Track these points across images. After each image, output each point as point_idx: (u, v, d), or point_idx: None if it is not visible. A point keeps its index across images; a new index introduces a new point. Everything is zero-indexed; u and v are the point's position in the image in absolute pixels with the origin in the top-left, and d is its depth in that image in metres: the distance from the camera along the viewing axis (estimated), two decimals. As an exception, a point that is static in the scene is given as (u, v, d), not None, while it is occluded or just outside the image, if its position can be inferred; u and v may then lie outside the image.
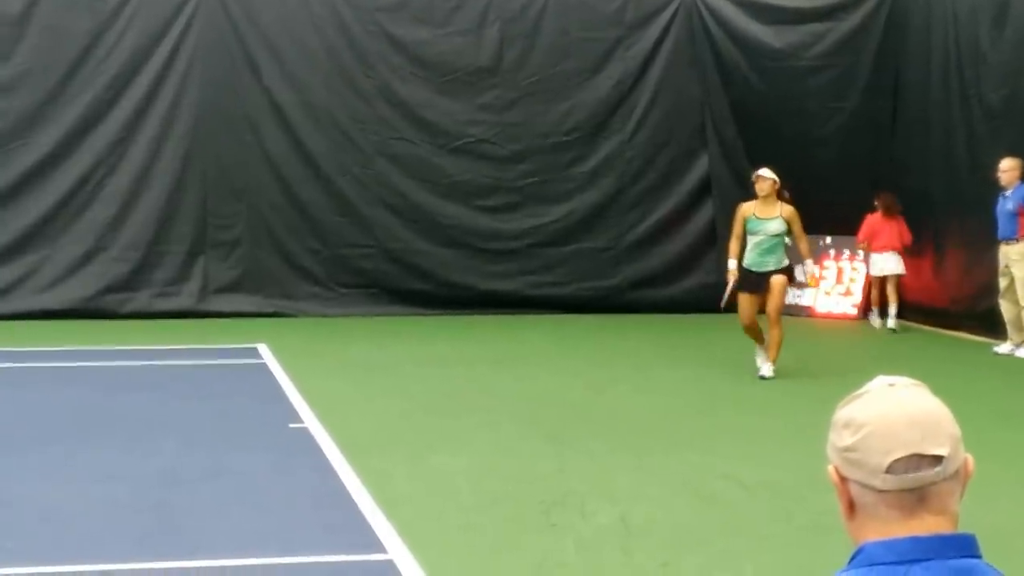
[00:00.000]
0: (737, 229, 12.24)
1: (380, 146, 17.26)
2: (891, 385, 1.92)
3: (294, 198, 17.14)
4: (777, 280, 12.05)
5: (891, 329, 16.12)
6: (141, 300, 16.73)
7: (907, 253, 16.34)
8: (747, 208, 12.26)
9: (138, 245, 16.80)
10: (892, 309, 16.23)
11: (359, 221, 17.24)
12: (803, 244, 12.29)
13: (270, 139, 17.05)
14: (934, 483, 1.86)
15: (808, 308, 17.47)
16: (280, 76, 17.03)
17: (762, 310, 12.18)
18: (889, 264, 16.30)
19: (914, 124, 16.44)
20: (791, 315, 17.33)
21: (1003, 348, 14.04)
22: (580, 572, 6.57)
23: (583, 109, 17.64)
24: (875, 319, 16.54)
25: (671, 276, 17.78)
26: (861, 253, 17.03)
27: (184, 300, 16.80)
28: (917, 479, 1.85)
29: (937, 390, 1.96)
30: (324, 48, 17.14)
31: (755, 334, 12.32)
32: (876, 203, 16.30)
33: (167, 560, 6.72)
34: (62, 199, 16.68)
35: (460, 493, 8.11)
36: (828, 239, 17.47)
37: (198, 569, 6.60)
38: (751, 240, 12.13)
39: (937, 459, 1.85)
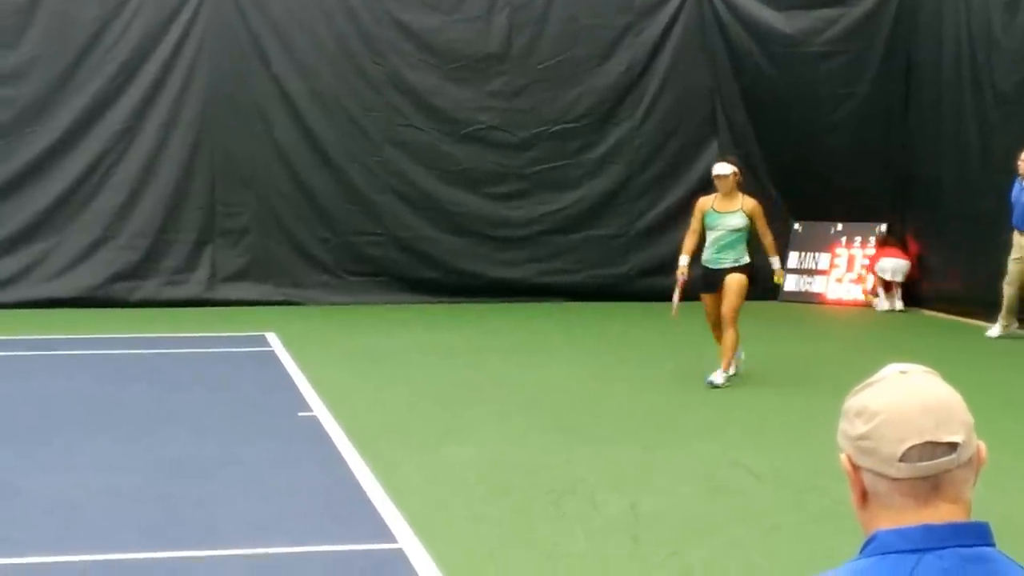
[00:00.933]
0: (694, 224, 11.45)
1: (389, 133, 17.21)
2: (903, 372, 1.90)
3: (302, 186, 17.11)
4: (733, 279, 11.19)
5: (890, 310, 16.16)
6: (149, 288, 16.72)
7: (915, 236, 16.37)
8: (705, 201, 11.48)
9: (146, 233, 16.78)
10: (891, 291, 16.34)
11: (368, 209, 17.20)
12: (768, 240, 11.51)
13: (278, 127, 17.01)
14: (948, 471, 1.84)
15: (819, 295, 17.41)
16: (288, 63, 16.99)
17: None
18: (895, 269, 16.44)
19: (926, 110, 16.36)
20: (803, 302, 17.32)
21: (993, 331, 14.13)
22: (590, 561, 6.54)
23: (592, 96, 17.57)
24: (881, 302, 16.51)
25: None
26: (873, 239, 16.98)
27: (192, 288, 16.79)
28: (931, 467, 1.83)
29: (947, 377, 1.94)
30: (332, 35, 17.09)
31: (718, 338, 11.61)
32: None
33: (175, 550, 6.70)
34: (70, 187, 16.67)
35: (469, 482, 8.08)
36: (839, 226, 17.40)
37: (206, 559, 6.59)
38: (709, 235, 11.37)
39: (951, 446, 1.84)
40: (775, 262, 11.63)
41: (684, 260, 11.53)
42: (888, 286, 16.53)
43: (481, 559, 6.61)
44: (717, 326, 11.45)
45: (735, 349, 11.32)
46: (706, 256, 11.39)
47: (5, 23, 16.45)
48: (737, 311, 11.19)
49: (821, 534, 6.94)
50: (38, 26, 16.51)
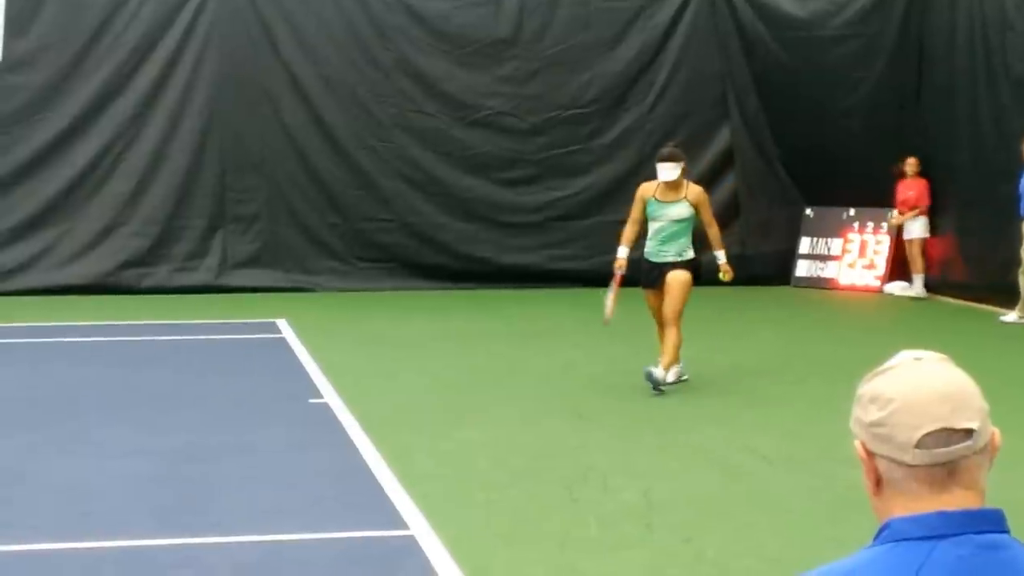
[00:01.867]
0: (635, 213, 10.56)
1: (399, 119, 17.18)
2: (917, 359, 1.90)
3: (313, 172, 17.09)
4: (675, 277, 10.28)
5: (911, 297, 16.05)
6: (160, 275, 16.73)
7: (929, 221, 16.26)
8: (647, 188, 10.55)
9: (157, 220, 16.79)
10: (912, 278, 16.19)
11: (378, 195, 17.18)
12: (713, 231, 10.60)
13: (288, 113, 16.99)
14: (964, 457, 1.83)
15: (831, 280, 17.36)
16: (298, 49, 16.96)
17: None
18: (913, 228, 16.25)
19: (939, 94, 16.26)
20: (815, 287, 17.27)
21: (1009, 317, 14.09)
22: (603, 548, 6.52)
23: (603, 81, 17.51)
24: (894, 286, 16.44)
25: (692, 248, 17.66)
26: (885, 225, 16.90)
27: (203, 275, 16.79)
28: (947, 453, 1.82)
29: (960, 362, 1.92)
30: (342, 20, 17.05)
31: (668, 332, 10.57)
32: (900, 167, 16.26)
33: (187, 536, 6.70)
34: (81, 174, 16.68)
35: (481, 469, 8.06)
36: (851, 211, 17.34)
37: (218, 545, 6.58)
38: (651, 226, 10.45)
39: (967, 433, 1.83)
40: (720, 256, 10.66)
41: (622, 252, 10.60)
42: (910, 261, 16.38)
43: (493, 545, 6.59)
44: (661, 323, 10.54)
45: (677, 352, 10.40)
46: (648, 248, 10.48)
47: (15, 10, 16.44)
48: (680, 312, 10.30)
49: (835, 520, 6.91)
50: (48, 13, 16.51)
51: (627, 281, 10.69)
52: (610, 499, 7.34)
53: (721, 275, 10.68)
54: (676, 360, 10.41)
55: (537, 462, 8.19)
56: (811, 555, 6.22)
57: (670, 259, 10.36)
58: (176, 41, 16.76)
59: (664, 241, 10.41)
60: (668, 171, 10.33)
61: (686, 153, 17.53)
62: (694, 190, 10.50)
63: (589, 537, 6.67)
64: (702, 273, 10.62)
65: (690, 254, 10.40)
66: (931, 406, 1.82)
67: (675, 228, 10.38)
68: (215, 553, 6.48)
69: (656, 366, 10.26)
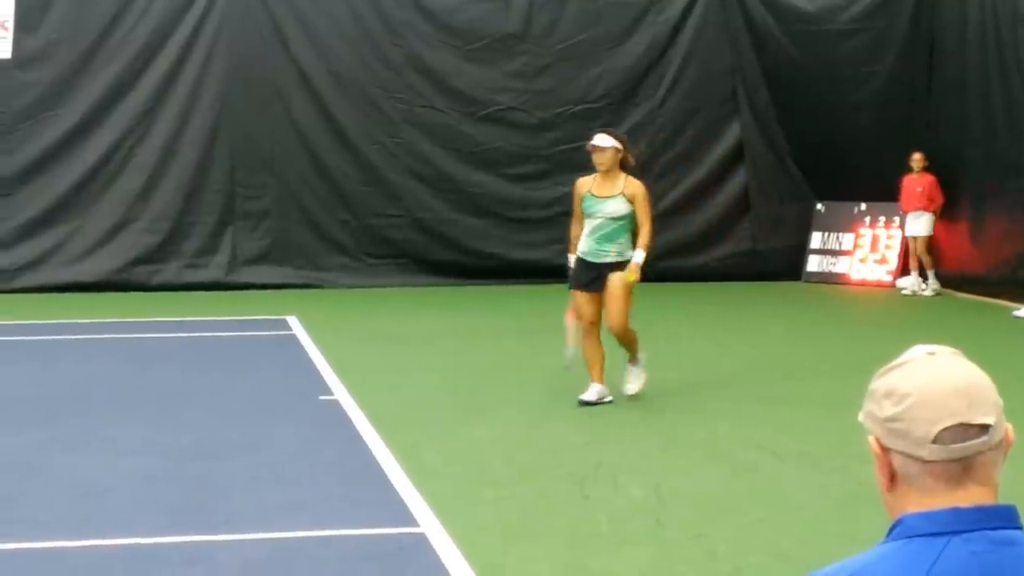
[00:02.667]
0: (576, 210, 9.74)
1: (408, 115, 17.17)
2: (931, 354, 1.88)
3: (322, 168, 17.09)
4: (615, 282, 9.46)
5: (915, 293, 15.99)
6: (170, 272, 16.74)
7: (942, 217, 16.17)
8: (583, 183, 9.71)
9: (167, 216, 16.80)
10: (916, 274, 16.13)
11: (388, 191, 17.18)
12: (644, 230, 9.55)
13: (298, 109, 16.99)
14: (980, 453, 1.82)
15: (843, 276, 17.31)
16: (308, 45, 16.96)
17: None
18: (915, 225, 16.18)
19: (950, 88, 16.21)
20: (827, 282, 17.20)
21: (1022, 312, 14.06)
22: (613, 544, 6.50)
23: (613, 76, 17.49)
24: (906, 281, 16.38)
25: (703, 244, 17.66)
26: (897, 219, 16.84)
27: (213, 272, 16.80)
28: (964, 449, 1.81)
29: (973, 358, 1.91)
30: (352, 16, 17.05)
31: (591, 345, 9.65)
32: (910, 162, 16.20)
33: (197, 534, 6.69)
34: (91, 170, 16.70)
35: (492, 466, 8.04)
36: (863, 205, 17.30)
37: (228, 542, 6.57)
38: (588, 224, 9.59)
39: (984, 428, 1.82)
40: (637, 254, 9.55)
41: (573, 261, 9.73)
42: (917, 260, 16.31)
43: (503, 542, 6.57)
44: (590, 332, 9.63)
45: (637, 343, 9.77)
46: (584, 247, 9.61)
47: (26, 7, 16.46)
48: (626, 321, 9.53)
49: (846, 516, 6.88)
50: (58, 10, 16.53)
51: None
52: (620, 495, 7.32)
53: (627, 274, 9.53)
54: (636, 358, 9.83)
55: (547, 458, 8.17)
56: (822, 551, 6.19)
57: (611, 260, 9.54)
58: (185, 37, 16.78)
59: (602, 240, 9.55)
60: (600, 137, 9.55)
61: (697, 147, 17.77)
62: (632, 184, 9.56)
63: (599, 533, 6.66)
64: (647, 273, 9.86)
65: (630, 253, 9.58)
66: (948, 401, 1.81)
67: (612, 226, 9.53)
68: (225, 550, 6.47)
69: (628, 382, 9.70)
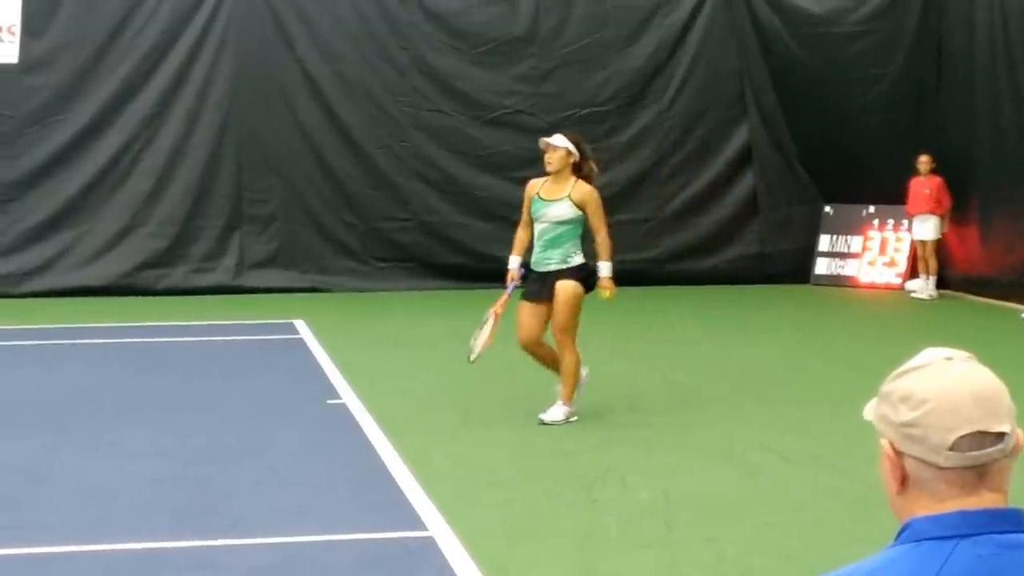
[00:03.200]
0: (524, 214, 9.26)
1: (415, 118, 17.16)
2: (948, 358, 1.88)
3: (329, 172, 17.09)
4: (562, 289, 8.92)
5: (921, 298, 15.92)
6: (177, 276, 16.75)
7: (951, 219, 16.11)
8: (533, 186, 9.23)
9: (174, 220, 16.81)
10: (927, 278, 16.06)
11: (395, 194, 17.17)
12: (600, 237, 9.07)
13: (304, 112, 16.99)
14: (995, 460, 1.83)
15: (851, 278, 17.27)
16: (314, 48, 16.96)
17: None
18: (923, 228, 16.13)
19: (959, 90, 16.16)
20: (835, 285, 17.16)
21: None
22: (622, 548, 6.47)
23: (620, 78, 17.47)
24: (915, 284, 16.32)
25: (712, 247, 17.63)
26: (906, 222, 16.79)
27: (220, 276, 16.80)
28: (981, 456, 1.81)
29: (982, 361, 1.91)
30: (358, 19, 17.05)
31: (539, 356, 9.21)
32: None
33: (204, 538, 6.68)
34: (98, 175, 16.72)
35: (500, 469, 8.02)
36: (871, 208, 17.26)
37: (235, 547, 6.56)
38: (536, 229, 9.11)
39: (1000, 436, 1.82)
40: (603, 268, 9.10)
41: (514, 262, 9.29)
42: (924, 263, 16.25)
43: (512, 545, 6.55)
44: (533, 345, 9.14)
45: (577, 376, 9.12)
46: (532, 256, 9.16)
47: (32, 11, 16.47)
48: (570, 331, 8.98)
49: (856, 519, 6.85)
50: (64, 13, 16.54)
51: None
52: (629, 498, 7.30)
53: (601, 291, 9.12)
54: (572, 392, 9.10)
55: (555, 461, 8.15)
56: (832, 554, 6.17)
57: (553, 267, 8.98)
58: (192, 41, 16.78)
59: (546, 246, 9.03)
60: (556, 137, 9.10)
61: (705, 150, 17.74)
62: (581, 188, 8.99)
63: (608, 536, 6.63)
64: (594, 283, 9.16)
65: (577, 260, 9.02)
66: (966, 408, 1.81)
67: (557, 232, 9.00)
68: (232, 555, 6.45)
69: (551, 408, 9.14)
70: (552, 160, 9.02)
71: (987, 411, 1.81)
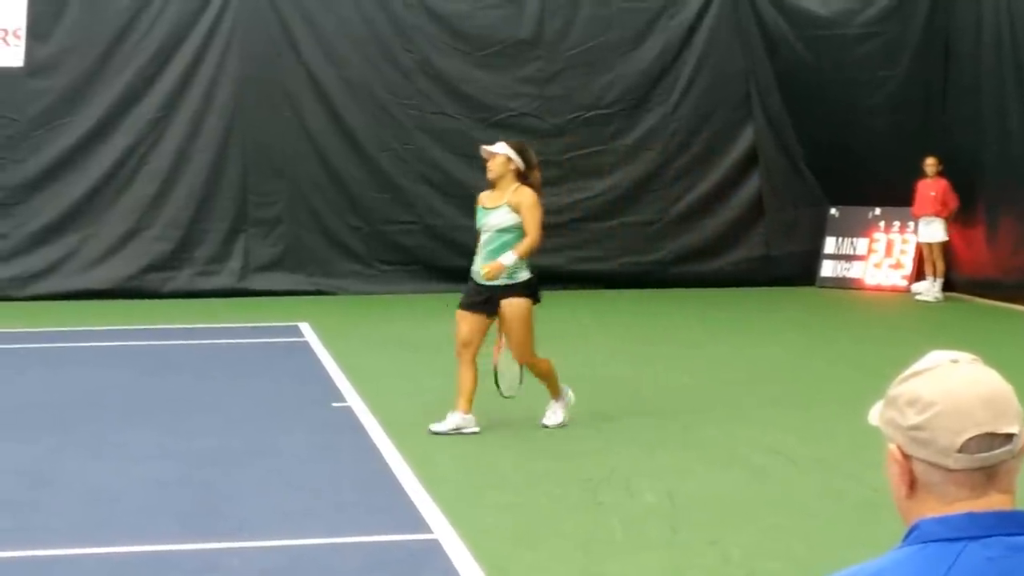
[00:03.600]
0: (478, 226, 9.05)
1: (420, 121, 17.16)
2: (954, 361, 1.88)
3: (334, 175, 17.09)
4: (510, 310, 8.67)
5: (927, 300, 15.87)
6: (182, 279, 16.76)
7: (956, 221, 16.07)
8: (481, 196, 9.06)
9: (179, 223, 16.81)
10: (933, 280, 16.02)
11: (400, 197, 17.16)
12: (525, 241, 8.68)
13: (309, 115, 17.00)
14: (1004, 462, 1.83)
15: (857, 281, 17.25)
16: (319, 51, 16.96)
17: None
18: (928, 231, 16.08)
19: (966, 92, 16.13)
20: (841, 288, 17.13)
21: None
22: (627, 550, 6.46)
23: (625, 81, 17.46)
24: (922, 286, 16.28)
25: (717, 249, 17.61)
26: (912, 224, 16.76)
27: (225, 279, 16.81)
28: (990, 458, 1.81)
29: (989, 363, 1.90)
30: (363, 22, 17.05)
31: (464, 371, 8.82)
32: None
33: (210, 541, 6.68)
34: (103, 178, 16.73)
35: (504, 472, 8.02)
36: (877, 210, 17.22)
37: (241, 550, 6.55)
38: (481, 239, 8.90)
39: (1008, 437, 1.82)
40: (506, 258, 8.67)
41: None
42: (931, 265, 16.21)
43: (516, 548, 6.54)
44: (463, 356, 8.82)
45: (554, 374, 8.96)
46: (474, 266, 8.95)
47: (37, 14, 16.49)
48: (529, 349, 8.76)
49: (862, 522, 6.84)
50: (70, 17, 16.55)
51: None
52: (634, 501, 7.28)
53: (483, 270, 8.79)
54: (557, 387, 8.97)
55: (559, 464, 8.14)
56: (838, 557, 6.15)
57: (500, 282, 8.69)
58: (197, 44, 16.80)
59: (490, 256, 8.74)
60: (498, 145, 8.87)
61: (711, 152, 17.70)
62: (519, 193, 8.70)
63: (613, 539, 6.62)
64: (539, 295, 8.90)
65: (523, 275, 8.73)
66: (974, 410, 1.81)
67: (499, 241, 8.72)
68: (238, 558, 6.45)
69: (548, 412, 8.98)
70: (492, 167, 8.81)
71: (995, 413, 1.81)
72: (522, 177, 8.79)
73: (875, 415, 1.93)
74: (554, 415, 9.10)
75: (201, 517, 7.09)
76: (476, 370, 8.87)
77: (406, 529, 6.83)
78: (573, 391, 9.25)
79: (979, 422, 1.80)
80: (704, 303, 16.09)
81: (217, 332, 13.86)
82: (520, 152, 8.82)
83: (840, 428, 9.04)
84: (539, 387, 10.56)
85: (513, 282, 8.71)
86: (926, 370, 1.87)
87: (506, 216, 8.72)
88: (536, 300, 8.85)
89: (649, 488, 7.51)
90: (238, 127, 16.92)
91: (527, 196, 8.71)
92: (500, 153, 8.80)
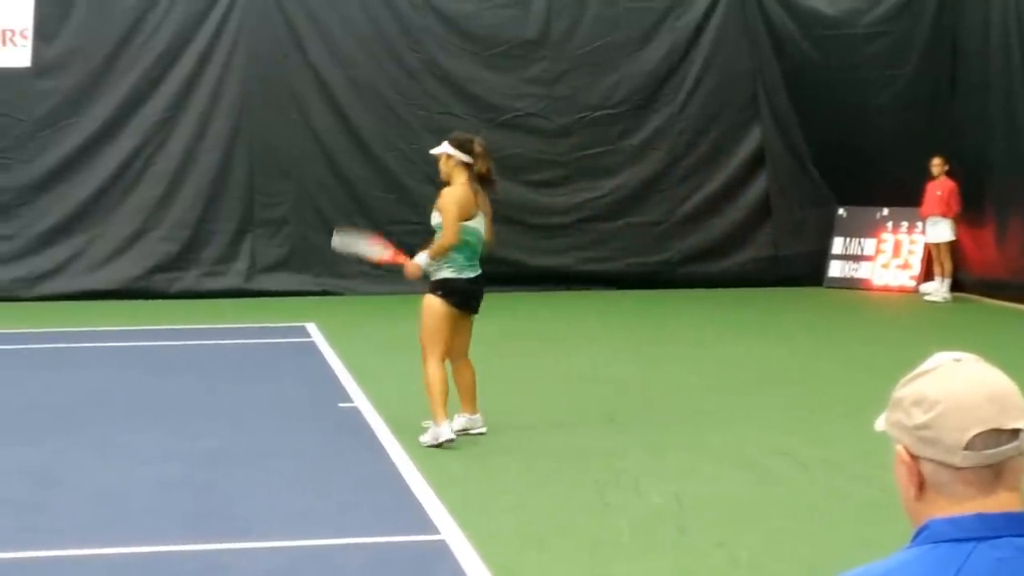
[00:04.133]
0: None
1: (427, 121, 17.14)
2: (957, 360, 1.89)
3: (341, 175, 17.08)
4: (423, 301, 8.71)
5: (935, 300, 15.82)
6: (189, 279, 16.76)
7: (963, 221, 16.03)
8: None
9: (186, 224, 16.82)
10: (941, 280, 15.97)
11: (406, 197, 17.15)
12: (441, 240, 8.58)
13: (316, 116, 16.99)
14: (1011, 458, 1.83)
15: (865, 281, 17.21)
16: (326, 52, 16.96)
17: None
18: (935, 231, 16.04)
19: (974, 91, 16.09)
20: (849, 288, 17.09)
21: None
22: (635, 552, 6.44)
23: (632, 81, 17.44)
24: (930, 286, 16.24)
25: (724, 249, 17.58)
26: (920, 224, 16.71)
27: (232, 279, 16.81)
28: (997, 454, 1.81)
29: (997, 364, 1.90)
30: (369, 22, 17.05)
31: (457, 372, 8.91)
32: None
33: (216, 542, 6.67)
34: (110, 178, 16.75)
35: (511, 473, 8.00)
36: (885, 211, 17.18)
37: (248, 551, 6.54)
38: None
39: (1015, 433, 1.82)
40: (419, 258, 8.70)
41: (420, 257, 8.88)
42: (939, 265, 16.16)
43: (524, 550, 6.52)
44: (454, 360, 8.81)
45: (434, 393, 8.46)
46: None
47: (44, 15, 16.51)
48: (426, 344, 8.56)
49: (870, 524, 6.81)
50: (76, 18, 16.57)
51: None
52: (642, 502, 7.26)
53: (407, 267, 8.87)
54: (438, 409, 8.46)
55: (567, 465, 8.12)
56: (846, 559, 6.11)
57: (432, 277, 8.68)
58: (204, 45, 16.81)
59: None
60: (442, 145, 8.75)
61: (718, 152, 17.67)
62: (442, 194, 8.63)
63: (620, 541, 6.60)
64: (458, 301, 8.72)
65: (442, 274, 8.60)
66: (979, 407, 1.81)
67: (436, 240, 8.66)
68: (244, 559, 6.44)
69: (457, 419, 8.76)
70: (440, 169, 8.75)
71: (1000, 409, 1.81)
72: (471, 170, 8.58)
73: (882, 421, 1.93)
74: (425, 435, 8.54)
75: (207, 518, 7.08)
76: (472, 368, 8.89)
77: (413, 530, 6.82)
78: (457, 439, 8.50)
79: (984, 418, 1.81)
80: (711, 303, 16.06)
81: (223, 333, 13.85)
82: (459, 146, 8.61)
83: (847, 429, 9.01)
84: (550, 391, 10.54)
85: (432, 278, 8.65)
86: (930, 370, 1.88)
87: (435, 217, 8.66)
88: (456, 304, 8.63)
89: (657, 490, 7.48)
90: (244, 128, 16.92)
91: (444, 195, 8.57)
92: (440, 154, 8.68)
